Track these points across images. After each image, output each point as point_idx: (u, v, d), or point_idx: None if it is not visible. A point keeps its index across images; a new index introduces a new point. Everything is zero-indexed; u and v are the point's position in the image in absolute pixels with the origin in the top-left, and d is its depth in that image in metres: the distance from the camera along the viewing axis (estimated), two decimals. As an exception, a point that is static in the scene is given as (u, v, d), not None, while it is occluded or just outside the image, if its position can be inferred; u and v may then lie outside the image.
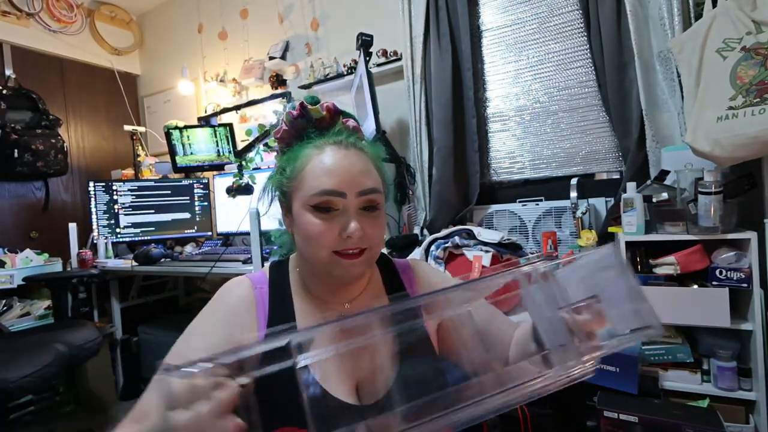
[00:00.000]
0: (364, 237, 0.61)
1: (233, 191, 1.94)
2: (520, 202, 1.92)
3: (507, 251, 1.55)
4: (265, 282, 0.69)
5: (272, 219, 0.75)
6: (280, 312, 0.66)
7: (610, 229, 1.54)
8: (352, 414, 0.57)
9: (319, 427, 0.40)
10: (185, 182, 2.56)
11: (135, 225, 2.45)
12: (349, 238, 0.60)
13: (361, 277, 0.69)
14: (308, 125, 0.67)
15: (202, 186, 2.59)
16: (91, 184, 2.37)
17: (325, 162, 0.62)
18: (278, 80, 2.54)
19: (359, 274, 0.64)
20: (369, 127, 1.81)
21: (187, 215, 2.55)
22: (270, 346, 0.39)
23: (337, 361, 0.63)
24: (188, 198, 2.56)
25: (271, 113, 2.37)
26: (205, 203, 2.60)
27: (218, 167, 2.55)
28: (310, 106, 0.67)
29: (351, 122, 0.69)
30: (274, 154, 1.98)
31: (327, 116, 0.68)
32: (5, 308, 2.09)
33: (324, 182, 0.60)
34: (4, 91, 2.38)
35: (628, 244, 1.37)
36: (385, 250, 1.14)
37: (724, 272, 1.25)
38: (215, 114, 2.48)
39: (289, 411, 0.55)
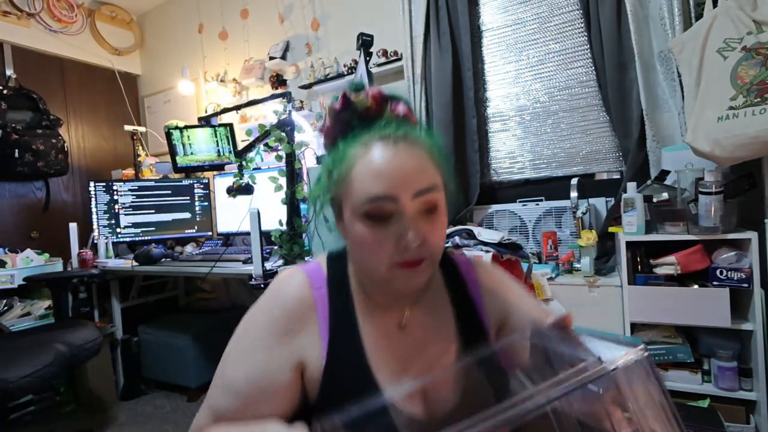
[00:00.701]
0: (425, 245, 0.54)
1: (233, 191, 1.94)
2: (520, 202, 1.92)
3: (507, 251, 1.55)
4: (323, 281, 0.63)
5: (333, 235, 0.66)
6: (342, 319, 0.61)
7: (611, 229, 1.54)
8: (420, 429, 0.55)
9: None
10: (185, 182, 2.56)
11: (135, 225, 2.45)
12: (406, 249, 0.53)
13: (422, 287, 0.62)
14: (353, 117, 0.60)
15: (202, 186, 2.59)
16: (92, 184, 2.37)
17: (373, 163, 0.54)
18: (278, 80, 2.54)
19: (420, 284, 0.58)
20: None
21: (187, 215, 2.55)
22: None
23: (402, 367, 0.60)
24: (188, 198, 2.56)
25: (271, 113, 2.37)
26: (206, 203, 2.60)
27: (218, 167, 2.54)
28: (353, 96, 0.59)
29: (400, 107, 0.61)
30: (274, 154, 1.98)
31: (373, 105, 0.59)
32: (6, 308, 2.09)
33: (372, 187, 0.53)
34: (5, 91, 2.38)
35: (629, 244, 1.37)
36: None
37: (724, 272, 1.25)
38: (215, 114, 2.48)
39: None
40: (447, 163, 0.61)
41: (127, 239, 2.43)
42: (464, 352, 0.62)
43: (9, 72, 2.49)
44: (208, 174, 2.66)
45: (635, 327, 1.40)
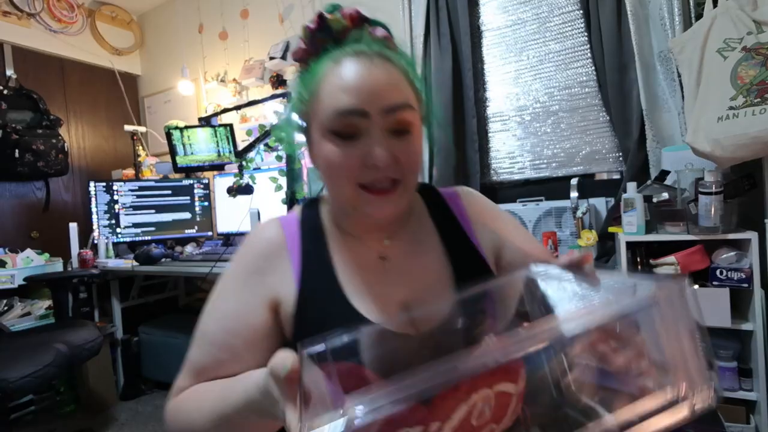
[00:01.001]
0: (395, 165, 0.51)
1: (234, 191, 1.95)
2: (520, 202, 1.92)
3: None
4: (295, 221, 0.62)
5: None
6: (313, 252, 0.59)
7: (611, 230, 1.54)
8: (405, 344, 0.51)
9: (376, 362, 0.38)
10: (186, 182, 2.56)
11: (135, 225, 2.45)
12: (374, 167, 0.50)
13: (396, 217, 0.58)
14: (329, 39, 0.56)
15: (202, 186, 2.59)
16: (92, 184, 2.37)
17: (343, 76, 0.51)
18: (279, 80, 2.54)
19: (393, 212, 0.54)
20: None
21: (187, 215, 2.55)
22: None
23: (379, 288, 0.57)
24: (189, 198, 2.56)
25: (271, 113, 2.37)
26: (206, 203, 2.60)
27: (219, 167, 2.54)
28: (328, 16, 0.55)
29: (380, 31, 0.57)
30: (274, 154, 1.98)
31: (350, 25, 0.55)
32: (6, 308, 2.09)
33: (341, 101, 0.50)
34: (5, 91, 2.38)
35: (629, 244, 1.37)
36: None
37: (724, 272, 1.25)
38: (216, 114, 2.48)
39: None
40: (425, 89, 0.58)
41: (127, 239, 2.43)
42: (459, 279, 0.59)
43: (9, 72, 2.49)
44: (208, 174, 2.66)
45: (635, 327, 1.40)
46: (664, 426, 0.34)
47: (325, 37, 0.56)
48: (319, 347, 0.40)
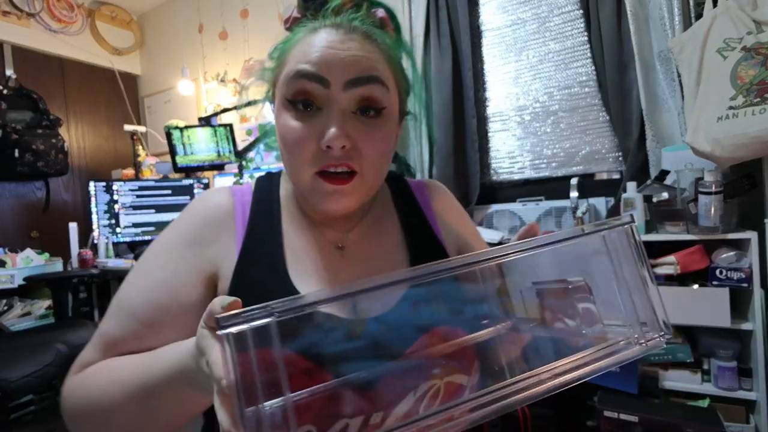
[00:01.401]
0: (352, 152, 0.45)
1: (233, 191, 1.94)
2: (520, 202, 1.92)
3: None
4: (248, 192, 0.56)
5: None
6: (263, 225, 0.53)
7: (611, 229, 1.54)
8: (341, 328, 0.46)
9: (312, 349, 0.35)
10: (185, 182, 2.56)
11: (135, 225, 2.45)
12: (328, 150, 0.44)
13: (347, 211, 0.50)
14: (324, 12, 0.50)
15: (202, 186, 2.59)
16: (92, 183, 2.37)
17: (312, 44, 0.46)
18: (278, 80, 2.54)
19: (345, 208, 0.48)
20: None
21: (187, 215, 2.55)
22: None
23: (328, 273, 0.52)
24: (189, 198, 2.56)
25: (271, 113, 2.37)
26: (206, 203, 2.60)
27: (218, 167, 2.55)
28: None
29: (380, 12, 0.51)
30: (274, 154, 1.97)
31: (348, 3, 0.50)
32: (6, 308, 2.09)
33: (300, 63, 0.45)
34: (5, 91, 2.38)
35: (629, 244, 1.37)
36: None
37: (724, 272, 1.25)
38: (216, 114, 2.49)
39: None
40: (409, 82, 0.53)
41: (127, 239, 2.43)
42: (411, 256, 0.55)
43: (9, 72, 2.49)
44: (208, 174, 2.66)
45: (635, 327, 1.40)
46: (614, 362, 0.34)
47: (318, 9, 0.50)
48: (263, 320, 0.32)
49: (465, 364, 0.46)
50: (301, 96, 0.45)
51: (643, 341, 0.34)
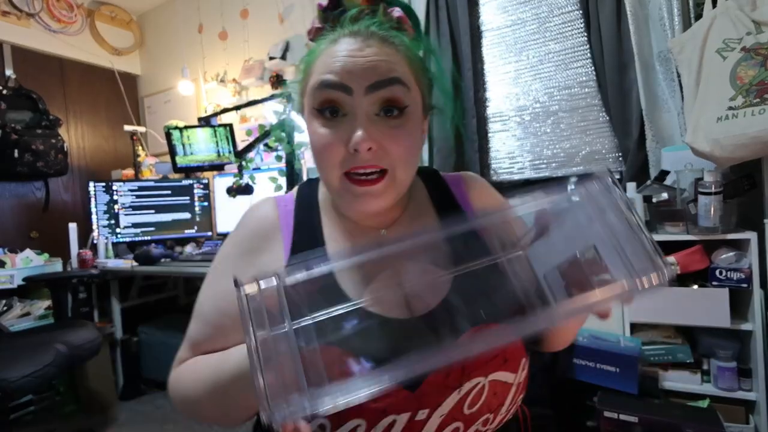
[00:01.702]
0: (380, 152, 0.47)
1: (233, 191, 1.94)
2: (520, 202, 1.92)
3: (507, 251, 1.55)
4: (291, 201, 0.60)
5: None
6: (306, 231, 0.56)
7: (610, 230, 1.54)
8: (399, 328, 0.49)
9: (360, 345, 0.39)
10: (185, 182, 2.56)
11: (135, 225, 2.45)
12: (356, 153, 0.46)
13: (381, 212, 0.53)
14: (343, 18, 0.52)
15: (202, 186, 2.59)
16: (91, 184, 2.37)
17: (333, 54, 0.48)
18: (278, 80, 2.54)
19: (377, 208, 0.50)
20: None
21: (187, 215, 2.55)
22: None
23: (374, 274, 0.53)
24: (188, 198, 2.56)
25: (271, 113, 2.37)
26: (205, 203, 2.60)
27: (218, 167, 2.54)
28: None
29: (396, 12, 0.53)
30: (274, 154, 1.98)
31: (365, 4, 0.52)
32: (5, 308, 2.09)
33: (324, 74, 0.47)
34: (4, 91, 2.38)
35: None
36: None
37: (724, 272, 1.25)
38: (215, 114, 2.48)
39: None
40: (431, 78, 0.55)
41: (127, 239, 2.43)
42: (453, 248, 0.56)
43: (9, 72, 2.48)
44: (208, 174, 2.66)
45: (635, 327, 1.40)
46: (611, 296, 0.35)
47: (338, 17, 0.52)
48: (307, 320, 0.39)
49: (511, 362, 0.47)
50: (327, 104, 0.48)
51: (646, 284, 0.35)
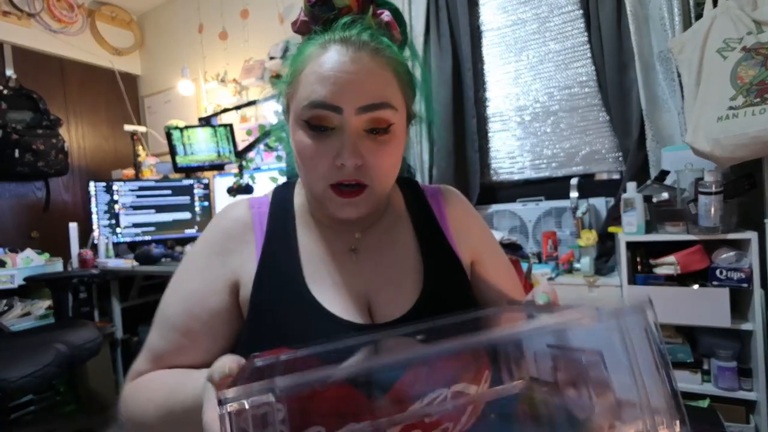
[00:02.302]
0: (364, 168, 0.49)
1: (234, 191, 1.95)
2: (520, 202, 1.92)
3: (507, 251, 1.55)
4: (265, 203, 0.60)
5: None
6: (279, 235, 0.56)
7: (610, 230, 1.54)
8: (356, 333, 0.49)
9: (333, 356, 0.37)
10: (186, 182, 2.56)
11: (135, 225, 2.45)
12: (342, 167, 0.48)
13: (360, 219, 0.54)
14: (328, 16, 0.51)
15: (202, 186, 2.59)
16: (92, 184, 2.37)
17: (323, 66, 0.48)
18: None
19: (356, 216, 0.52)
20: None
21: (187, 215, 2.55)
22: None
23: (343, 278, 0.54)
24: (189, 198, 2.56)
25: (271, 113, 2.37)
26: (206, 203, 2.60)
27: (219, 167, 2.55)
28: None
29: (385, 15, 0.52)
30: (274, 154, 1.98)
31: (353, 5, 0.51)
32: (6, 308, 2.09)
33: (315, 92, 0.47)
34: (5, 91, 2.38)
35: (628, 244, 1.37)
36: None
37: (724, 272, 1.25)
38: (216, 114, 2.49)
39: (285, 334, 0.50)
40: (416, 87, 0.54)
41: (127, 239, 2.43)
42: (430, 275, 0.56)
43: (9, 72, 2.49)
44: (208, 174, 2.66)
45: (635, 327, 1.40)
46: None
47: (326, 13, 0.51)
48: (272, 358, 0.36)
49: (475, 374, 0.47)
50: (316, 121, 0.49)
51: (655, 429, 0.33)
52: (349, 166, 0.48)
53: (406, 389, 0.44)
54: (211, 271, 0.55)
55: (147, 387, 0.51)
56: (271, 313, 0.51)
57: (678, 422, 0.31)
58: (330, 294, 0.53)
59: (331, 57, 0.48)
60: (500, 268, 0.65)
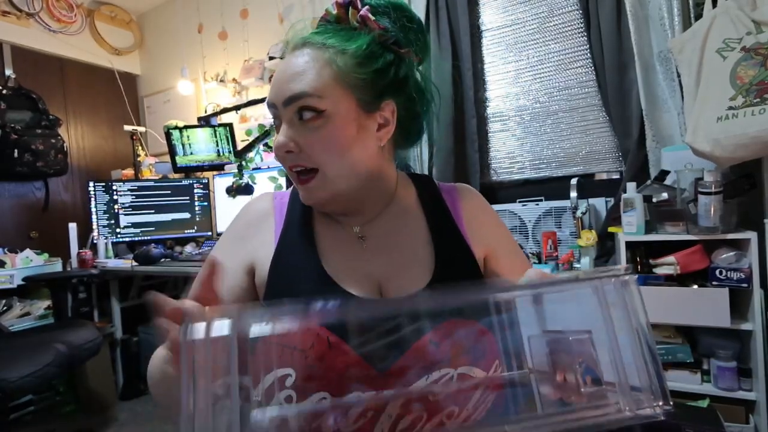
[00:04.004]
0: (301, 154, 0.53)
1: (233, 191, 1.95)
2: (520, 202, 1.92)
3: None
4: (287, 195, 0.65)
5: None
6: (297, 222, 0.60)
7: (610, 230, 1.54)
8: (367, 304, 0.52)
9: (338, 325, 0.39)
10: (185, 182, 2.56)
11: (135, 225, 2.45)
12: (284, 155, 0.54)
13: (323, 202, 0.57)
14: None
15: (202, 186, 2.59)
16: (91, 184, 2.37)
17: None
18: (278, 80, 2.53)
19: (315, 200, 0.56)
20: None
21: (187, 215, 2.55)
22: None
23: (356, 262, 0.58)
24: (188, 198, 2.56)
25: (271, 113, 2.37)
26: (205, 203, 2.60)
27: (218, 167, 2.55)
28: (329, 7, 0.58)
29: (364, 12, 0.55)
30: (274, 154, 1.98)
31: (340, 13, 0.56)
32: (5, 308, 2.09)
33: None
34: (4, 91, 2.38)
35: (628, 244, 1.37)
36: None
37: (724, 272, 1.25)
38: (215, 114, 2.48)
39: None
40: (377, 68, 0.54)
41: (127, 239, 2.43)
42: (442, 261, 0.57)
43: (8, 72, 2.48)
44: (207, 174, 2.66)
45: (635, 327, 1.40)
46: (603, 422, 0.33)
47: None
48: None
49: (484, 360, 0.47)
50: (273, 119, 0.57)
51: (634, 409, 0.33)
52: (280, 153, 0.54)
53: (412, 363, 0.44)
54: (229, 253, 0.59)
55: (160, 353, 0.53)
56: (288, 291, 0.54)
57: (661, 402, 0.32)
58: (344, 274, 0.56)
59: (282, 62, 0.55)
60: (515, 265, 0.65)
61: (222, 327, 0.29)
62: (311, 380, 0.35)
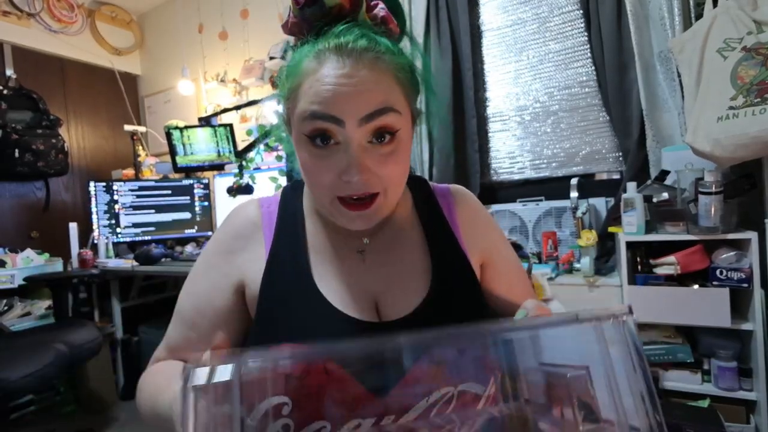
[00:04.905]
0: (373, 178, 0.47)
1: (234, 191, 1.95)
2: (520, 202, 1.92)
3: (507, 251, 1.55)
4: (275, 202, 0.60)
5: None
6: (288, 234, 0.56)
7: (611, 229, 1.54)
8: (363, 330, 0.50)
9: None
10: (185, 182, 2.56)
11: (135, 225, 2.45)
12: (348, 184, 0.47)
13: (369, 227, 0.53)
14: (320, 16, 0.49)
15: (202, 186, 2.59)
16: (92, 184, 2.37)
17: (321, 78, 0.46)
18: (278, 80, 2.53)
19: (370, 226, 0.52)
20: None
21: (187, 215, 2.55)
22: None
23: (351, 278, 0.55)
24: (188, 198, 2.56)
25: (271, 113, 2.37)
26: (206, 203, 2.60)
27: (219, 167, 2.55)
28: None
29: (380, 8, 0.49)
30: (274, 154, 1.97)
31: (345, 3, 0.48)
32: (6, 308, 2.09)
33: (314, 104, 0.46)
34: (5, 91, 2.38)
35: (629, 244, 1.37)
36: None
37: (724, 272, 1.25)
38: (216, 114, 2.49)
39: (294, 331, 0.51)
40: (418, 82, 0.52)
41: (127, 239, 2.43)
42: (439, 275, 0.56)
43: (9, 72, 2.49)
44: (208, 174, 2.66)
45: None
46: None
47: (316, 13, 0.48)
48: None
49: (483, 375, 0.47)
50: (318, 133, 0.47)
51: None
52: (356, 181, 0.46)
53: (411, 386, 0.44)
54: (217, 270, 0.57)
55: (156, 378, 0.53)
56: (280, 310, 0.52)
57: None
58: (338, 292, 0.53)
59: (326, 70, 0.46)
60: (511, 271, 0.65)
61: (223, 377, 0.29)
62: (308, 408, 0.34)
